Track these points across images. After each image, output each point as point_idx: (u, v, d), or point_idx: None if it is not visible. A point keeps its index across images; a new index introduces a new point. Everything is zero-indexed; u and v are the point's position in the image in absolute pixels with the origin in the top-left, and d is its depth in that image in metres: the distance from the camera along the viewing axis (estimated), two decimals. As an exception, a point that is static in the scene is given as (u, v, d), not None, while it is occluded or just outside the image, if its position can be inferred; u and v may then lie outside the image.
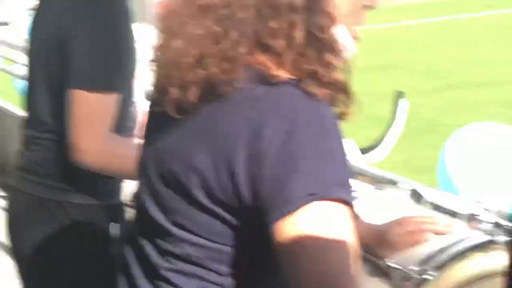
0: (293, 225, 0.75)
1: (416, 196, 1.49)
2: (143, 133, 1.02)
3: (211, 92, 0.82)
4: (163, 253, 0.90)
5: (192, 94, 0.82)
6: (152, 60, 0.92)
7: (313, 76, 0.81)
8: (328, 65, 0.83)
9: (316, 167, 0.78)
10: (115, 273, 1.04)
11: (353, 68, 0.90)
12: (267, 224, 0.77)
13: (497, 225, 1.31)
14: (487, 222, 1.31)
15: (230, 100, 0.82)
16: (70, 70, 1.39)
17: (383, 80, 8.46)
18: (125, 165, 1.30)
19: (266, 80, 0.81)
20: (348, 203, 0.78)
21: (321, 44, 0.83)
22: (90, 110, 1.39)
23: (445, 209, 1.42)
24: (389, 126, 3.25)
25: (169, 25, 0.89)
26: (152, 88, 0.97)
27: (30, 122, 1.57)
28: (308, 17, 0.82)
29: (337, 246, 0.77)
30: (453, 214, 1.38)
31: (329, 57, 0.83)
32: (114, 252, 1.42)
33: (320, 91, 0.81)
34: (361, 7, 0.95)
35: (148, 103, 1.00)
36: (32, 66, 1.57)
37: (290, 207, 0.75)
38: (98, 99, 1.39)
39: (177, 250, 0.88)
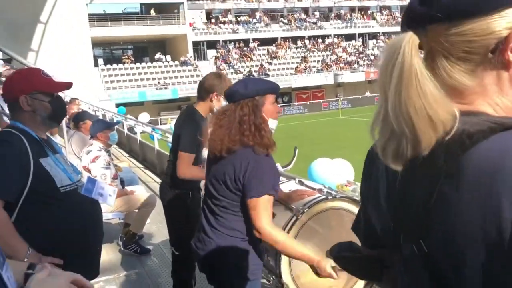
0: (259, 200, 1.88)
1: (301, 183, 2.87)
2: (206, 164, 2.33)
3: (229, 151, 1.96)
4: (214, 203, 2.07)
5: (223, 152, 2.00)
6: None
7: (257, 143, 2.00)
8: (262, 137, 1.99)
9: (261, 181, 1.94)
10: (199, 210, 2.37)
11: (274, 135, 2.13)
12: (246, 198, 1.92)
13: (328, 192, 2.56)
14: (325, 191, 2.60)
15: (234, 153, 1.97)
16: (179, 145, 3.00)
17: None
18: (197, 176, 2.99)
19: (245, 146, 1.99)
20: (272, 194, 1.93)
21: (260, 129, 2.00)
22: (184, 158, 3.00)
23: (311, 187, 2.76)
24: (292, 157, 5.94)
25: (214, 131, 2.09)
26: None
27: (169, 160, 3.28)
28: (255, 122, 1.96)
29: (264, 209, 1.89)
30: (313, 188, 2.68)
31: (263, 133, 2.01)
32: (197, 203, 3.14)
33: (260, 149, 1.98)
34: (276, 111, 2.13)
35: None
36: (173, 141, 3.21)
37: (252, 196, 1.91)
38: (188, 155, 3.00)
39: (218, 202, 2.05)
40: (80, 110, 7.95)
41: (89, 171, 4.53)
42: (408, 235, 0.82)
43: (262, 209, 1.97)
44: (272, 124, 2.15)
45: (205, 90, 3.06)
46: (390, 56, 0.77)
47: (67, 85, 2.06)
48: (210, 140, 2.12)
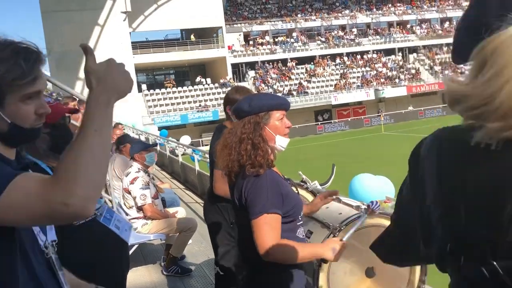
0: (255, 221, 1.81)
1: (338, 200, 2.72)
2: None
3: (235, 173, 1.97)
4: (245, 228, 2.00)
5: (232, 175, 1.95)
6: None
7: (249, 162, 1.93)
8: (256, 155, 1.90)
9: (257, 201, 1.86)
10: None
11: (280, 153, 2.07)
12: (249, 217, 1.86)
13: (365, 210, 2.42)
14: (362, 208, 2.47)
15: (239, 175, 1.93)
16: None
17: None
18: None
19: (241, 166, 1.93)
20: (273, 213, 1.83)
21: (257, 148, 1.92)
22: (218, 175, 2.88)
23: (349, 204, 2.66)
24: (330, 175, 5.31)
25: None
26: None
27: (210, 178, 3.20)
28: (254, 140, 1.91)
29: (264, 230, 1.83)
30: (350, 205, 2.60)
31: (258, 152, 1.92)
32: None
33: (250, 170, 1.90)
34: (284, 128, 2.04)
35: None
36: (211, 160, 3.19)
37: (253, 216, 1.82)
38: (222, 173, 2.73)
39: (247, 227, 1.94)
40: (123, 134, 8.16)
41: (129, 192, 4.61)
42: (473, 254, 0.67)
43: (261, 230, 1.85)
44: (281, 141, 2.04)
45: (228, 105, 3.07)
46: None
47: (67, 111, 2.00)
48: (218, 160, 2.07)
